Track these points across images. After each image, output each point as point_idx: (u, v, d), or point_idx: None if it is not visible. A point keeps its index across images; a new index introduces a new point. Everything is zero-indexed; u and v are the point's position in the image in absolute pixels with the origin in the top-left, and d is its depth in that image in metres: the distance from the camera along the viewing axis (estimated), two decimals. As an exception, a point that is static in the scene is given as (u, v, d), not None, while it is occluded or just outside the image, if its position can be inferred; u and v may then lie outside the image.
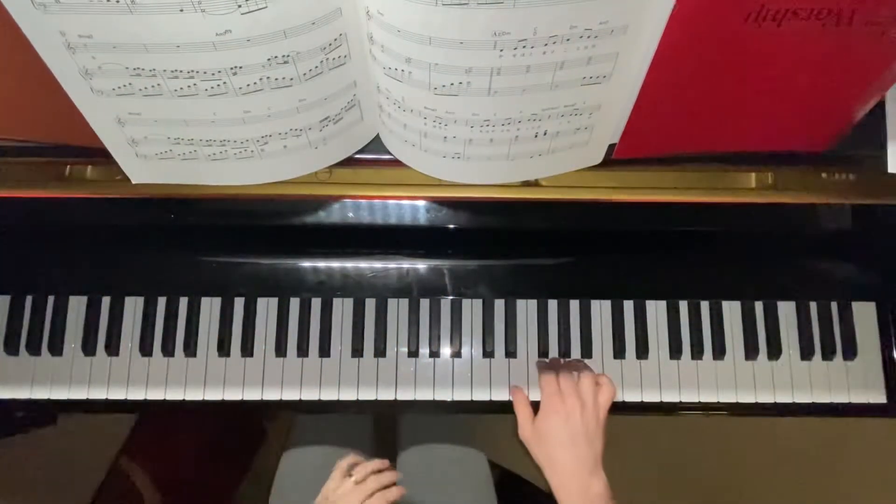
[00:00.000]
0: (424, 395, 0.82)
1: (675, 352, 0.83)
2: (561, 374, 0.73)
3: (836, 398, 0.82)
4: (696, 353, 0.83)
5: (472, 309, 0.84)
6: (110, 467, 1.12)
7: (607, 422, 0.71)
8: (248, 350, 0.82)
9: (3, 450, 1.34)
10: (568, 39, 0.47)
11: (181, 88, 0.51)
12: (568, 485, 0.66)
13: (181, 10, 0.44)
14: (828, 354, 0.82)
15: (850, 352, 0.82)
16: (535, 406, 0.74)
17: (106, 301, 0.83)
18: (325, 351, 0.82)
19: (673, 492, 1.52)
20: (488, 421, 0.89)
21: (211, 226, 0.78)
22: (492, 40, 0.46)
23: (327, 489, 0.76)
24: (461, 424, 1.01)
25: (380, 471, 0.76)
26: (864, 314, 0.84)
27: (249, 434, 1.31)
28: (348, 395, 0.82)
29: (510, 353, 0.82)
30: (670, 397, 0.82)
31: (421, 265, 0.80)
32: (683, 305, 0.84)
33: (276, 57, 0.49)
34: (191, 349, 0.82)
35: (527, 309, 0.84)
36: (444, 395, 0.82)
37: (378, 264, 0.80)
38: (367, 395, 0.82)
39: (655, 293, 0.83)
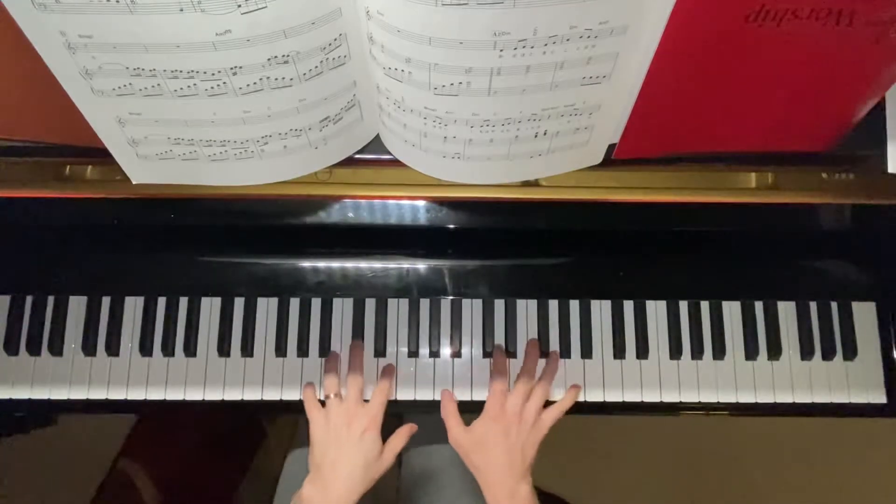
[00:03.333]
0: (424, 395, 0.82)
1: (675, 352, 0.83)
2: (515, 384, 0.77)
3: (836, 398, 0.82)
4: (696, 353, 0.83)
5: (472, 309, 0.84)
6: (110, 467, 1.11)
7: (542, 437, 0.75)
8: (248, 350, 0.82)
9: (3, 450, 1.34)
10: (568, 39, 0.47)
11: (181, 88, 0.51)
12: (497, 488, 0.71)
13: (181, 10, 0.44)
14: (828, 354, 0.82)
15: (850, 352, 0.82)
16: (476, 405, 0.78)
17: (106, 301, 0.83)
18: (325, 351, 0.82)
19: (673, 491, 1.52)
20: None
21: (211, 226, 0.78)
22: (492, 40, 0.46)
23: (314, 434, 0.74)
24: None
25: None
26: (864, 314, 0.83)
27: (249, 434, 1.31)
28: (348, 395, 0.82)
29: (510, 353, 0.82)
30: (670, 397, 0.82)
31: (421, 265, 0.80)
32: (683, 305, 0.84)
33: (276, 57, 0.49)
34: (191, 349, 0.82)
35: (527, 309, 0.84)
36: (445, 395, 0.82)
37: (378, 264, 0.80)
38: (367, 394, 0.81)
39: (655, 293, 0.83)
